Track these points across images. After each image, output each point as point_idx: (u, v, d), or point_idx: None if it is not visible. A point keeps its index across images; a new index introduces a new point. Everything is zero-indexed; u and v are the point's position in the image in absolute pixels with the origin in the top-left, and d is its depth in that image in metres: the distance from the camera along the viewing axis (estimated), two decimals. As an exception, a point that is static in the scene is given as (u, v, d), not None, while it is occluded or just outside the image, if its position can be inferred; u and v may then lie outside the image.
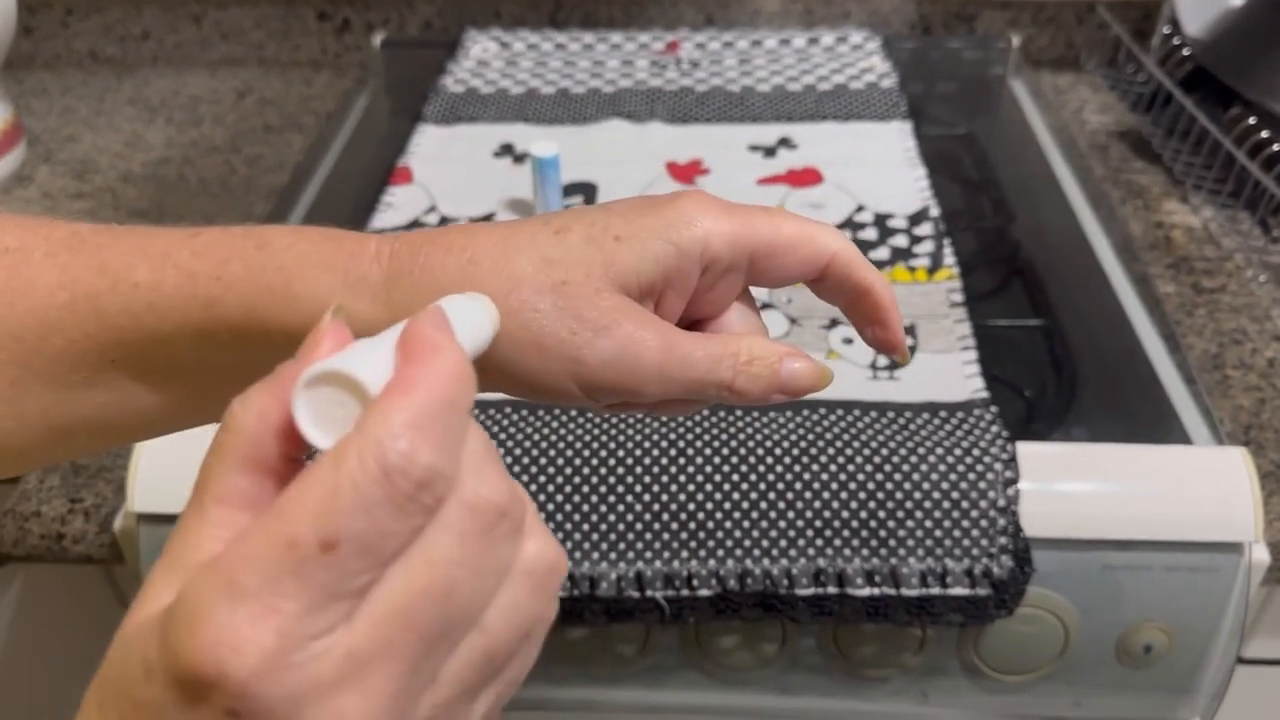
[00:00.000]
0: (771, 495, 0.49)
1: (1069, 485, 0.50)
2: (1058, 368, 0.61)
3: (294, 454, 0.20)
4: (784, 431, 0.51)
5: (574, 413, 0.52)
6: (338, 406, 0.19)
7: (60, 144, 0.92)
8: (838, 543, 0.49)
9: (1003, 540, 0.49)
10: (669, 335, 0.27)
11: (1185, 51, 0.83)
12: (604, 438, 0.51)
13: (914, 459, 0.49)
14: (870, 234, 0.67)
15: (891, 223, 0.67)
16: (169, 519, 0.51)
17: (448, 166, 0.75)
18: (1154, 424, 0.57)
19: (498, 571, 0.20)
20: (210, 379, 0.28)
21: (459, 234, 0.27)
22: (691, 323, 0.30)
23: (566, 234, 0.27)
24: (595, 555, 0.49)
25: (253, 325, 0.27)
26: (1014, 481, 0.49)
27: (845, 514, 0.49)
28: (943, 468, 0.49)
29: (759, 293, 0.63)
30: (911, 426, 0.52)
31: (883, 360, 0.57)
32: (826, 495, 0.49)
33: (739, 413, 0.53)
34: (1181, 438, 0.56)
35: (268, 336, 0.27)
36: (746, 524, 0.49)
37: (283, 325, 0.26)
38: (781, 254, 0.28)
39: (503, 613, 0.20)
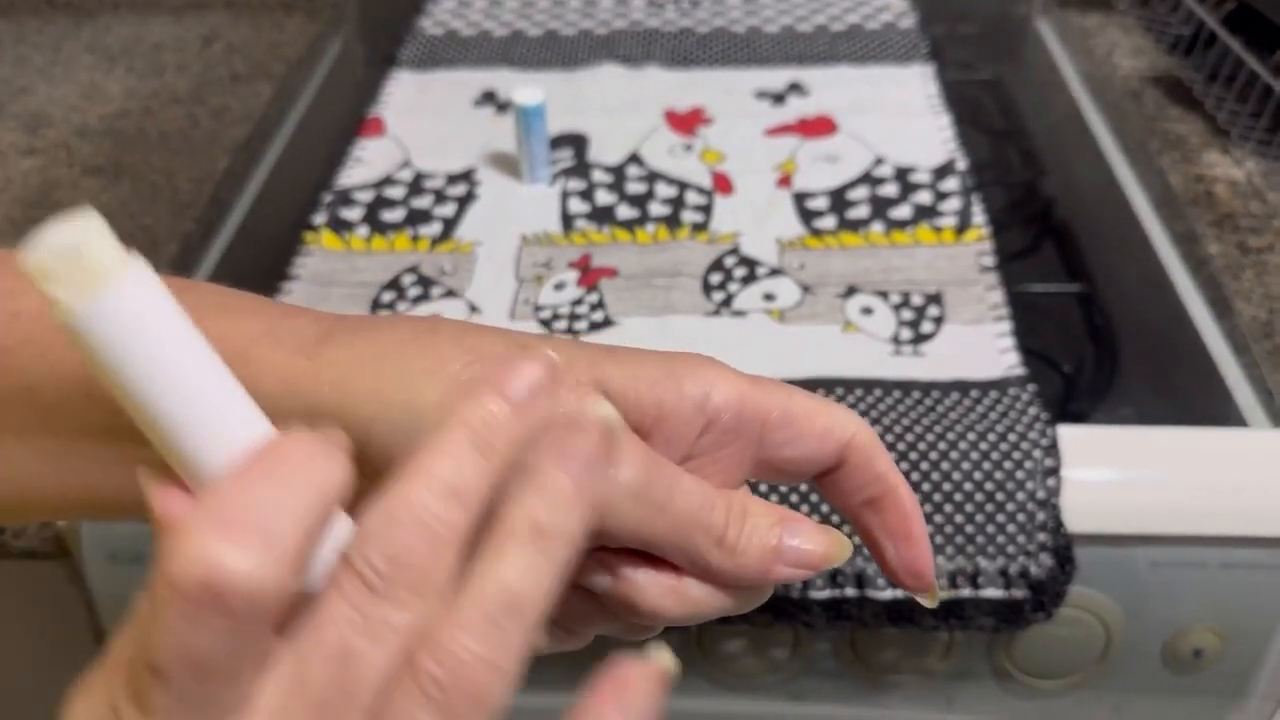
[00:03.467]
0: (783, 487, 0.44)
1: (1114, 474, 0.46)
2: (1097, 339, 0.56)
3: None
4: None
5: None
6: None
7: (12, 96, 0.85)
8: (856, 540, 0.44)
9: (1042, 537, 0.44)
10: (654, 454, 0.22)
11: (1229, -13, 0.76)
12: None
13: (942, 445, 0.44)
14: (891, 190, 0.61)
15: (914, 177, 0.61)
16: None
17: (423, 117, 0.69)
18: (1204, 402, 0.52)
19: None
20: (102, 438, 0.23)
21: (424, 316, 0.24)
22: None
23: (546, 339, 0.24)
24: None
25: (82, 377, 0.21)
26: (1055, 470, 0.44)
27: (865, 508, 0.44)
28: (975, 455, 0.44)
29: (769, 259, 0.57)
30: (939, 408, 0.46)
31: (907, 333, 0.51)
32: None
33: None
34: (1235, 417, 0.51)
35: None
36: (755, 520, 0.44)
37: None
38: (795, 424, 0.23)
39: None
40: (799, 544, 0.23)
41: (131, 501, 0.23)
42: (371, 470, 0.21)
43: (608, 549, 0.22)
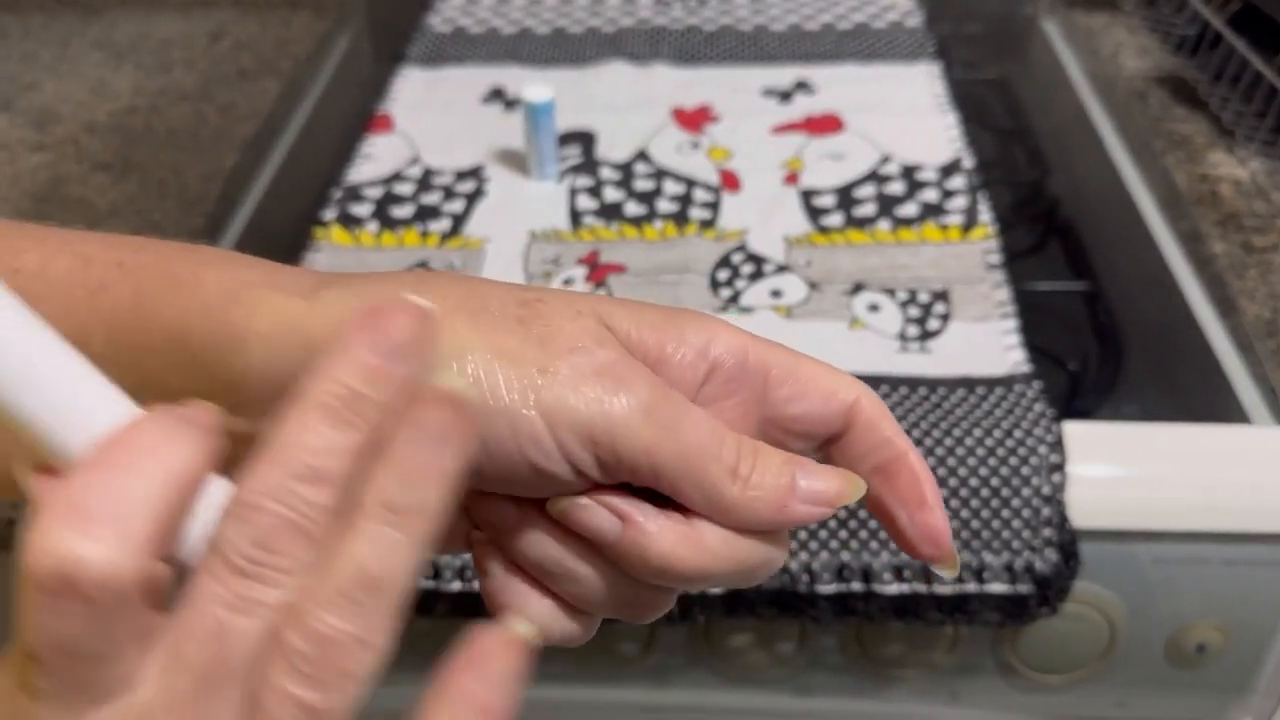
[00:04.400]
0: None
1: (1119, 470, 0.46)
2: (1102, 337, 0.56)
3: None
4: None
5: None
6: None
7: (20, 92, 0.86)
8: (863, 534, 0.44)
9: (1047, 532, 0.44)
10: (663, 382, 0.22)
11: (1234, -12, 0.76)
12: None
13: (948, 441, 0.45)
14: (897, 188, 0.61)
15: (920, 175, 0.62)
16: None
17: (432, 113, 0.69)
18: (1208, 399, 0.53)
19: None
20: None
21: (416, 270, 0.24)
22: None
23: (550, 288, 0.24)
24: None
25: (137, 319, 0.22)
26: (1060, 466, 0.45)
27: (872, 503, 0.44)
28: (981, 451, 0.45)
29: (776, 256, 0.57)
30: (946, 404, 0.47)
31: (913, 330, 0.52)
32: (790, 528, 0.44)
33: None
34: (1238, 415, 0.51)
35: (147, 334, 0.22)
36: (762, 514, 0.44)
37: (169, 319, 0.22)
38: (799, 381, 0.23)
39: (270, 691, 0.17)
40: (812, 482, 0.22)
41: None
42: None
43: (615, 492, 0.22)
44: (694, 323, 0.23)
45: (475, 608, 0.46)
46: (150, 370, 0.22)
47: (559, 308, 0.22)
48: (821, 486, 0.22)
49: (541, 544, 0.22)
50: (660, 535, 0.21)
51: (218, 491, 0.18)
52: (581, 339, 0.21)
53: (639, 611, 0.23)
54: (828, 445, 0.24)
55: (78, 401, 0.18)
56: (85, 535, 0.16)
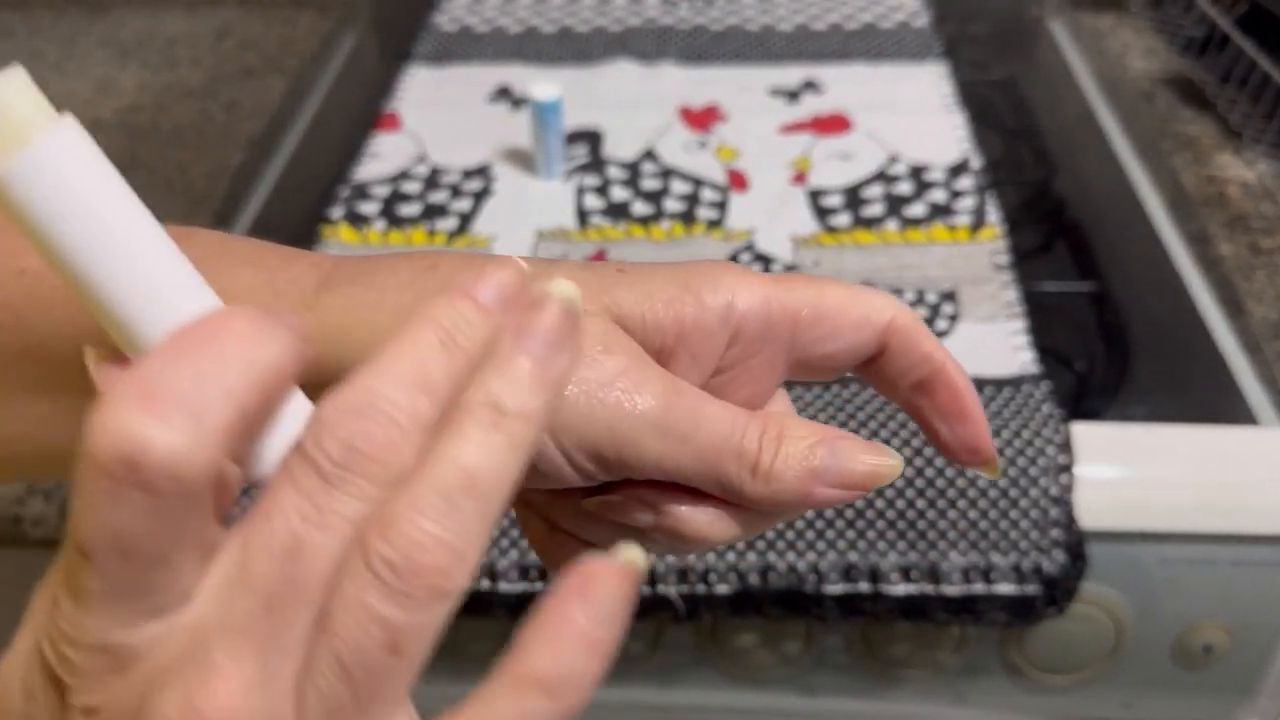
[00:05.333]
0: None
1: (1126, 471, 0.46)
2: (1109, 338, 0.56)
3: None
4: (811, 410, 0.46)
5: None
6: None
7: (26, 88, 0.85)
8: (871, 535, 0.44)
9: (1055, 533, 0.44)
10: (675, 380, 0.21)
11: (1241, -11, 0.76)
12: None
13: (956, 441, 0.45)
14: (905, 187, 0.61)
15: (928, 175, 0.62)
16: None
17: (439, 111, 0.69)
18: (1215, 400, 0.53)
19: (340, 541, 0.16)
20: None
21: (426, 251, 0.23)
22: None
23: (556, 263, 0.23)
24: (601, 547, 0.45)
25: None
26: (1068, 467, 0.45)
27: (879, 503, 0.44)
28: (989, 452, 0.44)
29: (784, 255, 0.57)
30: (953, 405, 0.47)
31: (921, 330, 0.52)
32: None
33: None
34: (1246, 416, 0.51)
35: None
36: (770, 514, 0.44)
37: None
38: (829, 320, 0.22)
39: (346, 608, 0.15)
40: (842, 464, 0.21)
41: None
42: None
43: (644, 485, 0.21)
44: (710, 283, 0.22)
45: (484, 606, 0.46)
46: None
47: None
48: (851, 468, 0.21)
49: (577, 517, 0.22)
50: (692, 517, 0.21)
51: (300, 407, 0.17)
52: (587, 347, 0.21)
53: (681, 552, 0.24)
54: (866, 366, 0.23)
55: (164, 287, 0.16)
56: (156, 417, 0.14)
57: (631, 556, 0.17)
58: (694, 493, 0.22)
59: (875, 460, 0.21)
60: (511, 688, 0.16)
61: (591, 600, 0.16)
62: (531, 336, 0.17)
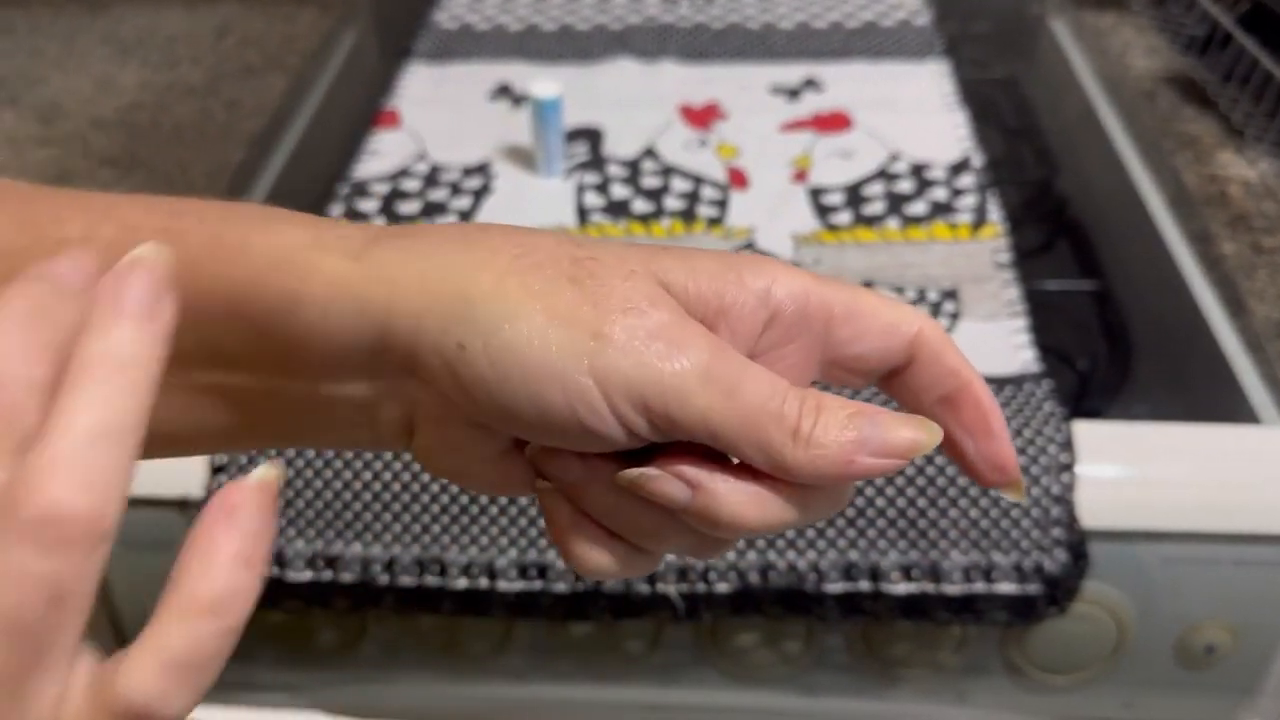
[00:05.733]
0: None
1: (1128, 470, 0.46)
2: (1111, 336, 0.56)
3: None
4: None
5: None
6: None
7: (27, 87, 0.86)
8: (871, 533, 0.44)
9: (1056, 532, 0.44)
10: (720, 340, 0.21)
11: (1244, -13, 0.76)
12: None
13: (957, 440, 0.44)
14: (906, 186, 0.61)
15: (929, 173, 0.62)
16: (144, 502, 0.46)
17: (439, 109, 0.69)
18: (1217, 399, 0.52)
19: None
20: None
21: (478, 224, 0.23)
22: None
23: (605, 239, 0.23)
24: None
25: (188, 288, 0.21)
26: (1069, 466, 0.44)
27: (880, 502, 0.44)
28: (990, 450, 0.44)
29: (784, 254, 0.57)
30: (954, 403, 0.46)
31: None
32: (859, 481, 0.44)
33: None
34: (1248, 415, 0.51)
35: (200, 301, 0.21)
36: (770, 512, 0.44)
37: (220, 288, 0.21)
38: (861, 319, 0.22)
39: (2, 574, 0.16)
40: (883, 434, 0.21)
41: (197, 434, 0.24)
42: (427, 371, 0.21)
43: (683, 458, 0.22)
44: (752, 267, 0.22)
45: (483, 605, 0.45)
46: (209, 335, 0.22)
47: (612, 266, 0.21)
48: (892, 438, 0.21)
49: (608, 498, 0.22)
50: (729, 496, 0.21)
51: None
52: (635, 299, 0.21)
53: (704, 552, 0.23)
54: (891, 379, 0.23)
55: None
56: None
57: (263, 473, 0.19)
58: (732, 470, 0.22)
59: (914, 432, 0.21)
60: (179, 614, 0.17)
61: (237, 520, 0.18)
62: (117, 284, 0.18)
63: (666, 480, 0.21)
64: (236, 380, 0.22)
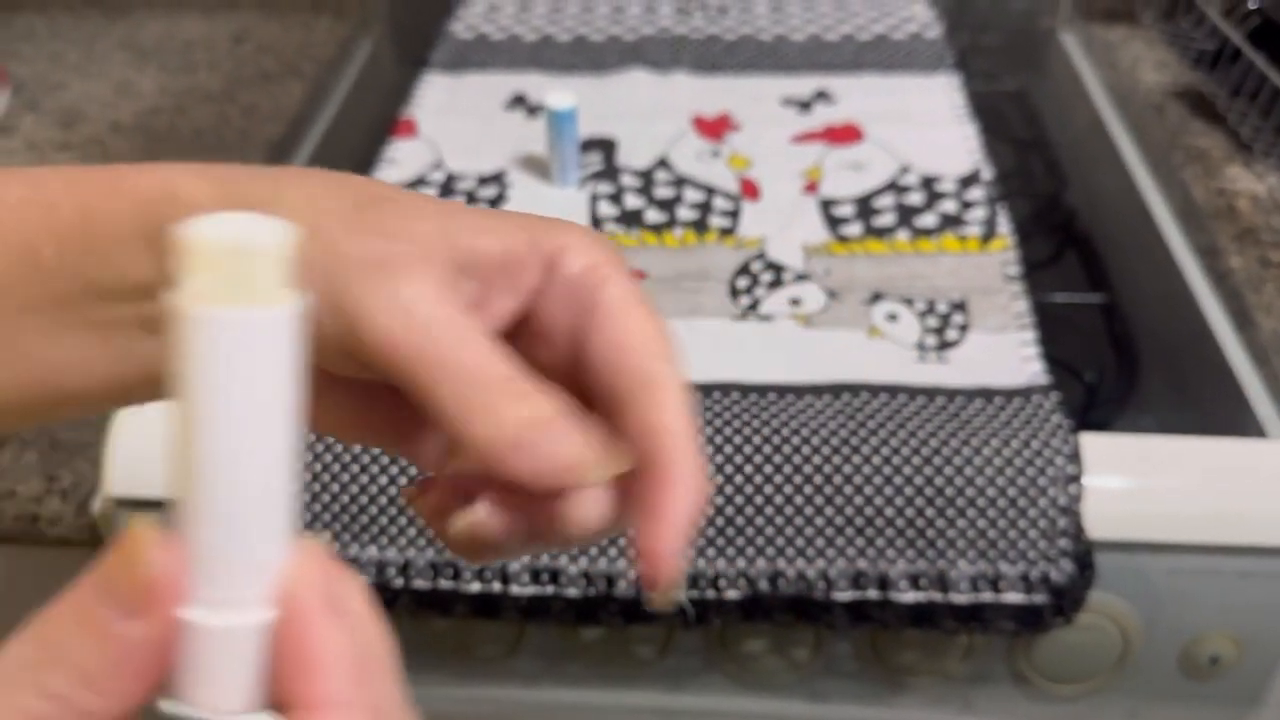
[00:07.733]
0: (807, 489, 0.44)
1: (1134, 482, 0.46)
2: (1118, 348, 0.56)
3: None
4: (821, 418, 0.46)
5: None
6: None
7: (47, 91, 0.87)
8: (880, 542, 0.45)
9: (1063, 543, 0.44)
10: (449, 289, 0.22)
11: (1251, 4, 0.76)
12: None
13: (966, 450, 0.45)
14: (916, 198, 0.61)
15: (940, 186, 0.62)
16: (148, 504, 0.47)
17: (455, 119, 0.70)
18: (1224, 412, 0.53)
19: None
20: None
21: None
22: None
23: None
24: (612, 552, 0.45)
25: (84, 229, 0.22)
26: (1076, 478, 0.45)
27: (889, 511, 0.45)
28: (998, 461, 0.45)
29: (795, 264, 0.58)
30: (963, 414, 0.47)
31: (932, 340, 0.52)
32: (868, 490, 0.44)
33: (771, 396, 0.48)
34: (1254, 428, 0.51)
35: (92, 240, 0.22)
36: (779, 520, 0.44)
37: (111, 224, 0.22)
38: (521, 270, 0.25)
39: None
40: (554, 435, 0.20)
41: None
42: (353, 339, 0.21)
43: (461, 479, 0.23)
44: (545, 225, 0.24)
45: (496, 608, 0.46)
46: (98, 269, 0.22)
47: (406, 206, 0.23)
48: (559, 448, 0.20)
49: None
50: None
51: None
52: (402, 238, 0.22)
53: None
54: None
55: (249, 514, 0.16)
56: None
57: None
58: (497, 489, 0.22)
59: (580, 452, 0.20)
60: None
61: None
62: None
63: (446, 501, 0.23)
64: (149, 309, 0.23)
